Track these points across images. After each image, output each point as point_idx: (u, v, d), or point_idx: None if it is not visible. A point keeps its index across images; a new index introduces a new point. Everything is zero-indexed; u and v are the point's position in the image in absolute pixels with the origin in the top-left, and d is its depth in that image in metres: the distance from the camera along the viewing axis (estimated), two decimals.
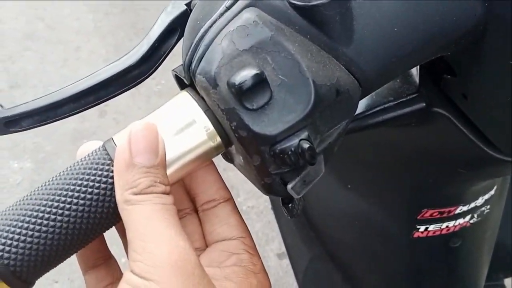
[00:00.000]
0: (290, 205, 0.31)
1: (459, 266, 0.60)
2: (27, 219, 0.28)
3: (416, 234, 0.53)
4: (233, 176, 1.83)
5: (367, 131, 0.40)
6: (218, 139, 0.30)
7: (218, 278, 0.29)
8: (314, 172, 0.29)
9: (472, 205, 0.51)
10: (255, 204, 1.77)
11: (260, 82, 0.26)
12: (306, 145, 0.26)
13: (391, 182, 0.50)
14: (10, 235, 0.28)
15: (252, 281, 0.30)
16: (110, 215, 0.29)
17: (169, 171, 0.30)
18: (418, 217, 0.51)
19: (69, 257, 0.30)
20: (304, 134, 0.27)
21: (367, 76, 0.29)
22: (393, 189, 0.51)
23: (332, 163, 0.51)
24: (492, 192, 0.52)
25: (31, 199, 0.29)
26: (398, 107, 0.38)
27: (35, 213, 0.28)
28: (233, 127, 0.27)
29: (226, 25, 0.27)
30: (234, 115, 0.26)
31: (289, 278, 1.61)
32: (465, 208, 0.51)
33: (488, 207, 0.53)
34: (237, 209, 0.33)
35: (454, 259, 0.59)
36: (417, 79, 0.38)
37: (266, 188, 0.30)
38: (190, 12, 0.33)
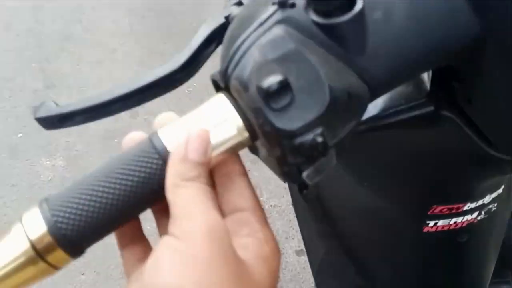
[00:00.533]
0: (305, 191, 0.34)
1: (466, 260, 0.62)
2: (84, 196, 0.33)
3: (426, 229, 0.55)
4: (258, 175, 1.86)
5: (381, 131, 0.43)
6: (246, 134, 0.33)
7: (236, 246, 0.32)
8: (326, 163, 0.32)
9: (480, 202, 0.52)
10: (278, 203, 1.80)
11: (284, 86, 0.30)
12: (319, 139, 0.30)
13: (403, 180, 0.52)
14: (69, 208, 0.32)
15: (265, 249, 0.33)
16: (152, 196, 0.33)
17: None
18: (428, 213, 0.53)
19: (115, 229, 0.35)
20: (319, 130, 0.30)
21: (376, 82, 0.32)
22: (405, 186, 0.53)
23: (350, 163, 0.54)
24: (500, 191, 0.53)
25: (88, 177, 0.33)
26: (409, 110, 0.41)
27: (90, 191, 0.33)
28: (259, 124, 0.31)
29: (258, 38, 0.31)
30: (260, 113, 0.30)
31: (306, 274, 1.63)
32: (472, 205, 0.52)
33: (495, 205, 0.55)
34: (251, 183, 0.36)
35: (461, 254, 0.60)
36: (428, 85, 0.41)
37: (285, 176, 0.33)
38: (228, 24, 0.37)
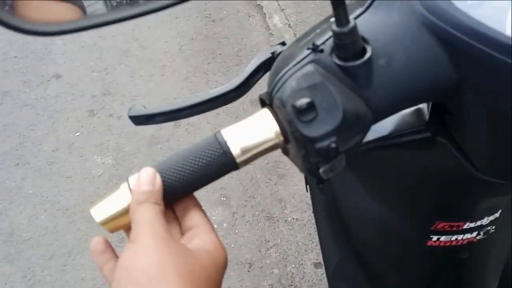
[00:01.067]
0: (321, 185, 0.43)
1: (467, 276, 0.64)
2: (174, 166, 0.44)
3: (429, 243, 0.58)
4: (283, 189, 1.90)
5: (387, 150, 0.50)
6: (282, 137, 0.42)
7: (185, 243, 0.42)
8: (338, 163, 0.40)
9: (478, 223, 0.55)
10: (300, 217, 1.82)
11: (310, 106, 0.38)
12: (333, 145, 0.38)
13: (409, 196, 0.56)
14: (165, 174, 0.44)
15: (208, 245, 0.42)
16: (215, 172, 0.44)
17: (252, 152, 0.43)
18: (432, 228, 0.56)
19: (196, 190, 0.45)
20: (333, 139, 0.38)
21: (378, 109, 0.40)
22: (411, 202, 0.57)
23: (364, 178, 0.59)
24: (497, 215, 0.56)
25: (177, 156, 0.44)
26: (411, 134, 0.48)
27: (179, 164, 0.44)
28: (291, 131, 0.40)
29: (295, 72, 0.40)
30: (292, 124, 0.39)
31: (323, 286, 1.65)
32: (472, 225, 0.55)
33: (494, 227, 0.57)
34: (201, 208, 0.46)
35: (462, 270, 0.63)
36: (427, 115, 0.47)
37: (307, 171, 0.42)
38: (273, 58, 0.47)
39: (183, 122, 2.16)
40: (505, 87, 0.38)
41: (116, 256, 0.45)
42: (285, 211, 1.83)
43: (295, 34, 2.50)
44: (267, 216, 1.81)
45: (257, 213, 1.83)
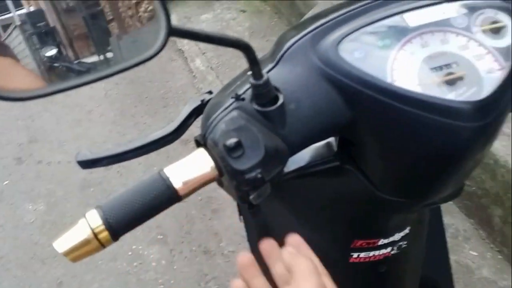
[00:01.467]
0: (251, 210, 0.48)
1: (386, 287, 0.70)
2: (124, 202, 0.46)
3: (351, 260, 0.62)
4: (217, 224, 1.92)
5: (305, 179, 0.56)
6: (216, 171, 0.46)
7: None
8: (264, 190, 0.46)
9: (391, 239, 0.61)
10: (235, 249, 1.82)
11: (238, 145, 0.44)
12: (259, 176, 0.44)
13: (329, 218, 0.62)
14: (112, 205, 0.45)
15: None
16: (161, 204, 0.46)
17: (192, 186, 0.46)
18: (351, 246, 0.61)
19: (145, 221, 0.46)
20: (259, 170, 0.44)
21: (292, 144, 0.46)
22: (331, 223, 0.62)
23: (287, 204, 0.63)
24: (407, 231, 0.62)
25: (127, 192, 0.46)
26: (323, 163, 0.54)
27: (128, 199, 0.46)
28: (224, 165, 0.45)
29: (223, 117, 0.45)
30: (225, 159, 0.44)
31: None
32: (385, 241, 0.61)
33: (406, 243, 0.63)
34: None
35: (382, 282, 0.68)
36: (335, 147, 0.54)
37: (239, 198, 0.47)
38: (203, 104, 0.52)
39: (115, 165, 2.12)
40: (389, 123, 0.46)
41: (261, 274, 0.46)
42: (221, 244, 1.84)
43: (218, 76, 2.57)
44: (204, 251, 1.82)
45: (194, 248, 1.83)
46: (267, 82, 0.44)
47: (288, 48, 0.48)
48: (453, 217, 1.82)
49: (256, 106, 0.45)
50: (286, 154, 0.46)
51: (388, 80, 0.45)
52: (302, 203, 0.63)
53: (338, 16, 0.48)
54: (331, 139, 0.54)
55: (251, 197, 0.45)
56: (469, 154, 0.47)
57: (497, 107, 0.45)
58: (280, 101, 0.45)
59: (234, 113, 0.45)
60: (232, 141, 0.43)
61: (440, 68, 0.45)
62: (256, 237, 0.78)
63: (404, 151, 0.48)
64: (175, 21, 2.97)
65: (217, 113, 0.46)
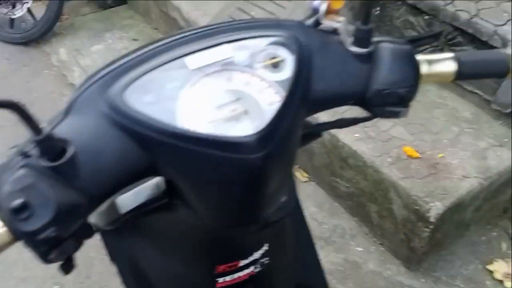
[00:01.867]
0: (63, 266, 0.46)
1: None
2: None
3: (218, 285, 0.63)
4: None
5: (145, 217, 0.56)
6: (12, 236, 0.42)
7: None
8: (68, 246, 0.44)
9: (250, 259, 0.62)
10: None
11: (25, 206, 0.41)
12: (53, 234, 0.41)
13: (185, 248, 0.62)
14: None
15: None
16: None
17: None
18: (215, 272, 0.61)
19: None
20: (52, 228, 0.41)
21: (93, 195, 0.45)
22: (190, 253, 0.62)
23: (149, 242, 0.63)
24: (266, 247, 0.64)
25: None
26: (155, 201, 0.54)
27: None
28: (13, 229, 0.42)
29: (9, 177, 0.42)
30: (12, 223, 0.41)
31: None
32: (246, 262, 0.62)
33: (267, 259, 0.65)
34: None
35: None
36: (164, 186, 0.53)
37: (40, 258, 0.43)
38: None
39: None
40: (184, 162, 0.47)
41: None
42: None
43: None
44: None
45: None
46: (49, 136, 0.42)
47: (77, 98, 0.47)
48: (340, 218, 1.93)
49: (43, 162, 0.42)
50: (85, 207, 0.44)
51: (178, 122, 0.45)
52: (158, 239, 0.63)
53: (127, 62, 0.49)
54: (159, 179, 0.54)
55: (51, 256, 0.43)
56: (266, 180, 0.49)
57: (277, 134, 0.47)
58: (69, 154, 0.42)
59: (21, 172, 0.42)
60: (17, 202, 0.40)
61: (226, 105, 0.47)
62: (130, 280, 0.76)
63: (209, 185, 0.49)
64: (64, 55, 2.84)
65: (2, 175, 0.43)
